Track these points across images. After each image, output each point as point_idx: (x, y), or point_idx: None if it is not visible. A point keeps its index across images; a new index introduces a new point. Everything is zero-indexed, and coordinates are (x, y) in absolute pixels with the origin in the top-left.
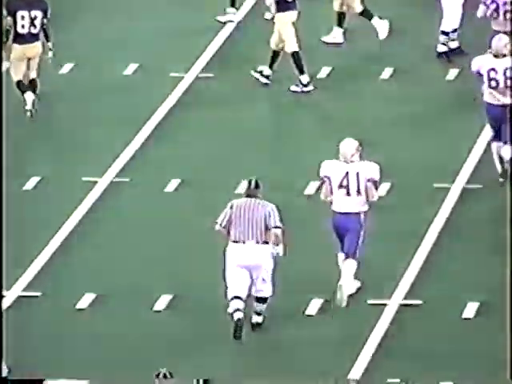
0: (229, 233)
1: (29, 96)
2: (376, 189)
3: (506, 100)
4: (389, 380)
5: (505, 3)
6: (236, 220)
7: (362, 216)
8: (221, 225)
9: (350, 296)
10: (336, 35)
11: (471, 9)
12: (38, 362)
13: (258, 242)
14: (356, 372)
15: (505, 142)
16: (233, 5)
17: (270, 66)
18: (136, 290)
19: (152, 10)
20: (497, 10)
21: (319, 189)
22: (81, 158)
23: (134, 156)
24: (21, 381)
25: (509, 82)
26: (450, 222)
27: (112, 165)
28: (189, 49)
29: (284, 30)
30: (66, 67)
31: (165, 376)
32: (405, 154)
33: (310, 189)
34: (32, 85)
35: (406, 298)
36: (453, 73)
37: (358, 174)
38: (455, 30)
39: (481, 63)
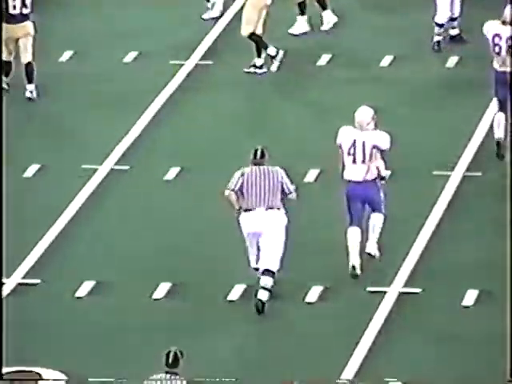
0: (238, 200)
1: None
2: (382, 159)
3: (506, 68)
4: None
5: None
6: (248, 188)
7: (379, 183)
8: (233, 190)
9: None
10: (301, 24)
11: None
12: (37, 350)
13: (268, 209)
14: (355, 360)
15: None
16: (259, 55)
17: (259, 55)
18: (136, 278)
19: None
20: None
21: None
22: (80, 146)
23: (133, 143)
24: (17, 372)
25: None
26: (450, 209)
27: (112, 152)
28: (188, 37)
29: (249, 12)
30: (66, 55)
31: (175, 355)
32: (404, 139)
33: (310, 176)
34: (28, 69)
35: (405, 286)
36: (453, 60)
37: (364, 142)
38: (454, 19)
39: (489, 28)
